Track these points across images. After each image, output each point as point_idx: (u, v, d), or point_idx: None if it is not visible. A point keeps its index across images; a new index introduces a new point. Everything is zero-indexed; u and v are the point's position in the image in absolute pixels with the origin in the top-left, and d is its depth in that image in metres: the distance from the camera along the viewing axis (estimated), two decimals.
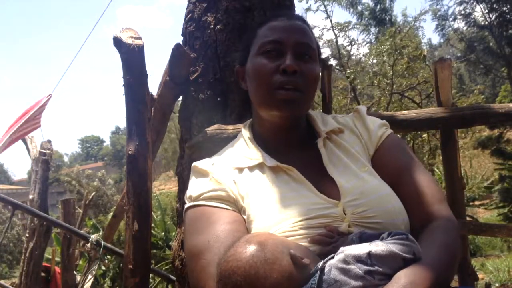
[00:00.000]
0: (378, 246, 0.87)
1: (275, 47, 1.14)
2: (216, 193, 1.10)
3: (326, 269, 0.87)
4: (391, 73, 9.63)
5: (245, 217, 1.07)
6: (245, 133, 1.23)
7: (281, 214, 1.02)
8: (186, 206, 1.14)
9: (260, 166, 1.13)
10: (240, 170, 1.14)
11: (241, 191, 1.09)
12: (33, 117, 4.64)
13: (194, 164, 1.19)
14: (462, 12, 17.71)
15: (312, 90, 1.17)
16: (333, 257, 0.89)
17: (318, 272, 0.87)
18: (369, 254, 0.86)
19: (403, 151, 1.17)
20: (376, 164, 1.15)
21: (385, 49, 9.77)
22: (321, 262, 0.89)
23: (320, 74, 1.24)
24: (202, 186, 1.12)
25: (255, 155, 1.15)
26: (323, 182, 1.09)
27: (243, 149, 1.19)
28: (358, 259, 0.86)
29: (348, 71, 10.59)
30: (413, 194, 1.08)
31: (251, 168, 1.13)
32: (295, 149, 1.17)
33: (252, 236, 0.94)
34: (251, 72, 1.17)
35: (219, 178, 1.12)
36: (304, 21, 1.21)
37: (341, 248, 0.90)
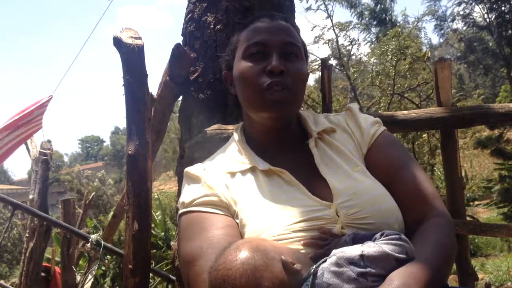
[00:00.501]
0: (370, 248, 0.87)
1: (259, 49, 1.13)
2: (209, 198, 1.09)
3: (319, 273, 0.86)
4: (393, 73, 9.62)
5: (238, 221, 1.06)
6: (237, 136, 1.22)
7: (273, 217, 1.02)
8: (179, 212, 1.14)
9: (252, 170, 1.12)
10: (232, 174, 1.13)
11: (233, 195, 1.09)
12: (34, 119, 4.62)
13: (186, 169, 1.19)
14: (461, 12, 17.71)
15: (300, 89, 1.16)
16: (325, 261, 0.88)
17: (311, 276, 0.86)
18: (362, 255, 0.85)
19: (396, 148, 1.16)
20: (369, 162, 1.14)
21: (389, 49, 9.74)
22: (314, 266, 0.88)
23: (310, 73, 1.24)
24: (195, 192, 1.12)
25: (247, 159, 1.15)
26: (316, 184, 1.08)
27: (235, 153, 1.18)
28: (351, 262, 0.85)
29: (352, 70, 10.58)
30: (407, 191, 1.07)
31: (243, 172, 1.13)
32: (287, 151, 1.16)
33: (242, 243, 0.92)
34: (238, 76, 1.16)
35: (211, 183, 1.11)
36: (287, 20, 1.21)
37: (333, 251, 0.89)
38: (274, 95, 1.09)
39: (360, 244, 0.89)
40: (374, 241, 0.91)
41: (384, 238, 0.90)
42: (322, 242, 0.97)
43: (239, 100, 1.21)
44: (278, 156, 1.14)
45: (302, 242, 0.98)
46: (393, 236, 0.90)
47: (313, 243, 0.97)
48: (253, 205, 1.06)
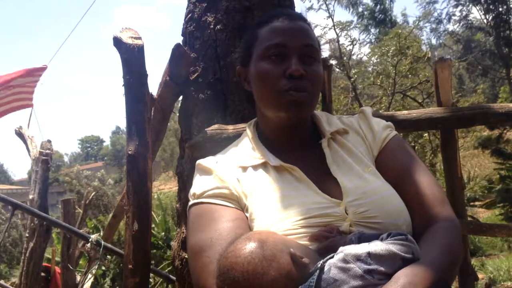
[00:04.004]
0: (377, 246, 0.88)
1: (279, 51, 1.13)
2: (220, 191, 1.10)
3: (326, 268, 0.87)
4: (394, 73, 9.63)
5: (247, 215, 1.07)
6: (250, 132, 1.23)
7: (282, 213, 1.03)
8: (189, 203, 1.15)
9: (264, 165, 1.14)
10: (244, 169, 1.14)
11: (244, 189, 1.10)
12: (25, 89, 4.55)
13: (198, 161, 1.20)
14: (459, 14, 17.74)
15: (317, 91, 1.18)
16: (332, 257, 0.89)
17: (318, 271, 0.87)
18: (369, 253, 0.86)
19: (406, 153, 1.17)
20: (379, 165, 1.15)
21: (391, 50, 9.74)
22: (321, 261, 0.89)
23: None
24: (206, 184, 1.13)
25: (259, 154, 1.16)
26: (326, 182, 1.10)
27: (247, 148, 1.19)
28: (358, 258, 0.86)
29: (353, 71, 10.59)
30: (415, 196, 1.08)
31: (255, 167, 1.14)
32: (299, 149, 1.18)
33: (252, 234, 0.95)
34: (256, 76, 1.17)
35: (222, 176, 1.12)
36: (305, 20, 1.21)
37: (341, 248, 0.90)
38: (292, 97, 1.11)
39: (368, 243, 0.90)
40: (381, 240, 0.92)
41: (391, 238, 0.92)
42: (327, 234, 0.97)
43: (253, 97, 1.22)
44: (290, 153, 1.15)
45: (308, 237, 0.98)
46: (399, 237, 0.91)
47: (318, 236, 0.98)
48: (263, 200, 1.07)
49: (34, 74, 4.63)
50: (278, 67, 1.12)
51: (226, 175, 1.13)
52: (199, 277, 1.01)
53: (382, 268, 0.85)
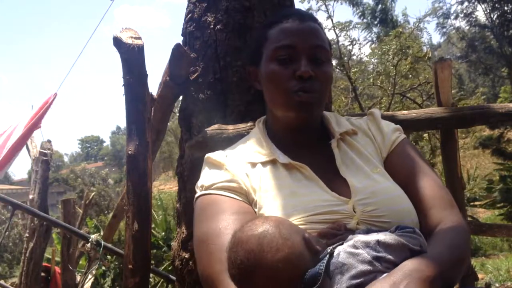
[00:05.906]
0: (386, 235, 0.90)
1: (288, 52, 1.14)
2: (229, 184, 1.11)
3: (335, 253, 0.89)
4: (394, 73, 9.61)
5: (256, 210, 1.08)
6: (259, 130, 1.24)
7: (291, 209, 1.03)
8: (197, 195, 1.15)
9: (273, 162, 1.14)
10: (253, 164, 1.15)
11: (253, 184, 1.11)
12: (36, 120, 4.58)
13: (208, 155, 1.21)
14: (464, 11, 17.66)
15: (327, 92, 1.19)
16: (342, 244, 0.91)
17: (327, 256, 0.88)
18: (378, 241, 0.88)
19: (415, 157, 1.18)
20: (388, 167, 1.16)
21: (391, 49, 9.71)
22: (331, 247, 0.91)
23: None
24: (215, 176, 1.13)
25: (268, 151, 1.16)
26: (335, 181, 1.10)
27: (256, 146, 1.20)
28: (367, 245, 0.88)
29: (353, 70, 10.56)
30: (422, 199, 1.08)
31: (263, 164, 1.14)
32: (308, 149, 1.18)
33: (270, 216, 0.98)
34: (266, 77, 1.18)
35: (232, 170, 1.13)
36: (316, 21, 1.21)
37: (350, 236, 0.92)
38: (301, 97, 1.12)
39: (377, 233, 0.92)
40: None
41: (399, 231, 0.93)
42: (335, 232, 0.99)
43: (263, 95, 1.24)
44: (299, 153, 1.16)
45: (316, 233, 0.99)
46: (408, 230, 0.93)
47: (326, 233, 0.99)
48: (271, 196, 1.07)
49: (47, 109, 4.64)
50: (288, 68, 1.13)
51: (236, 169, 1.13)
52: (205, 265, 1.01)
53: (390, 257, 0.86)
